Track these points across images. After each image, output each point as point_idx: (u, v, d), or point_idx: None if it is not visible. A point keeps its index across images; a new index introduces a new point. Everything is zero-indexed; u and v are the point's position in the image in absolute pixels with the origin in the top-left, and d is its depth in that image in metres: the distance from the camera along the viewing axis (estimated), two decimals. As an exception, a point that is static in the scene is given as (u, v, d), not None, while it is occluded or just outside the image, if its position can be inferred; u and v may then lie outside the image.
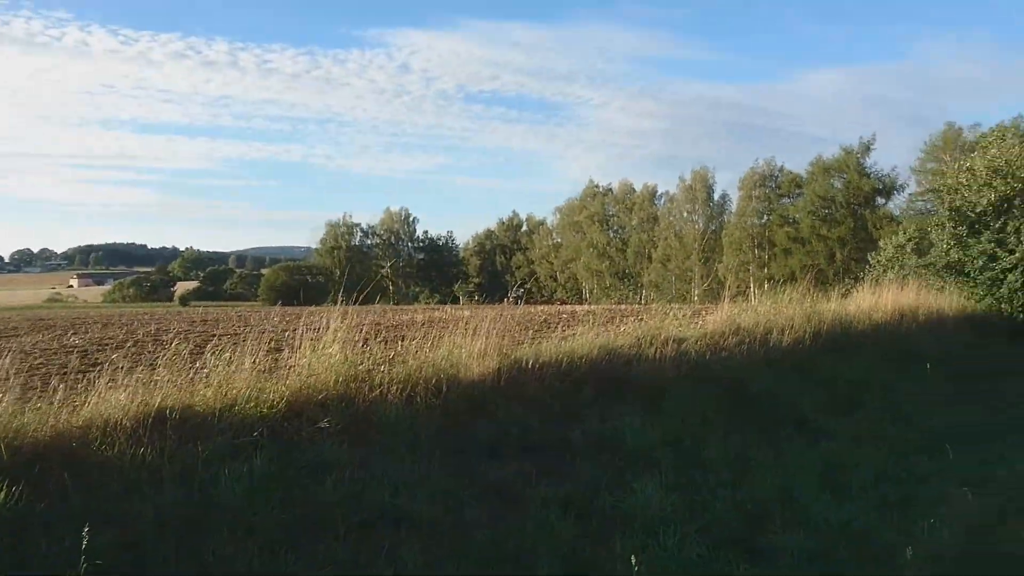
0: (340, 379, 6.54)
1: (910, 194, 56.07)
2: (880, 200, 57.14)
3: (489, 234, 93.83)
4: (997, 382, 13.56)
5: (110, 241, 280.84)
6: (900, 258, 27.63)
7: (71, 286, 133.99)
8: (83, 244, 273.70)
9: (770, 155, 75.95)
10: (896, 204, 56.90)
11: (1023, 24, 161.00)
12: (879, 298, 16.53)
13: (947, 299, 19.65)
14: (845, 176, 57.23)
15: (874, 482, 7.58)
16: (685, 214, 69.02)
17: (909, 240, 28.38)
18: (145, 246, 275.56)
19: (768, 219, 62.25)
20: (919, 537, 6.04)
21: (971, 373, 13.84)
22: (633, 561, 4.85)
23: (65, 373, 6.87)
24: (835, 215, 56.91)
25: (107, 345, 12.07)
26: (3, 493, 4.22)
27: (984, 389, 12.67)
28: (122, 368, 5.98)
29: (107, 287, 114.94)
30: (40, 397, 5.61)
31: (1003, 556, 5.87)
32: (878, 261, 29.56)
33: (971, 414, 10.74)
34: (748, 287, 53.21)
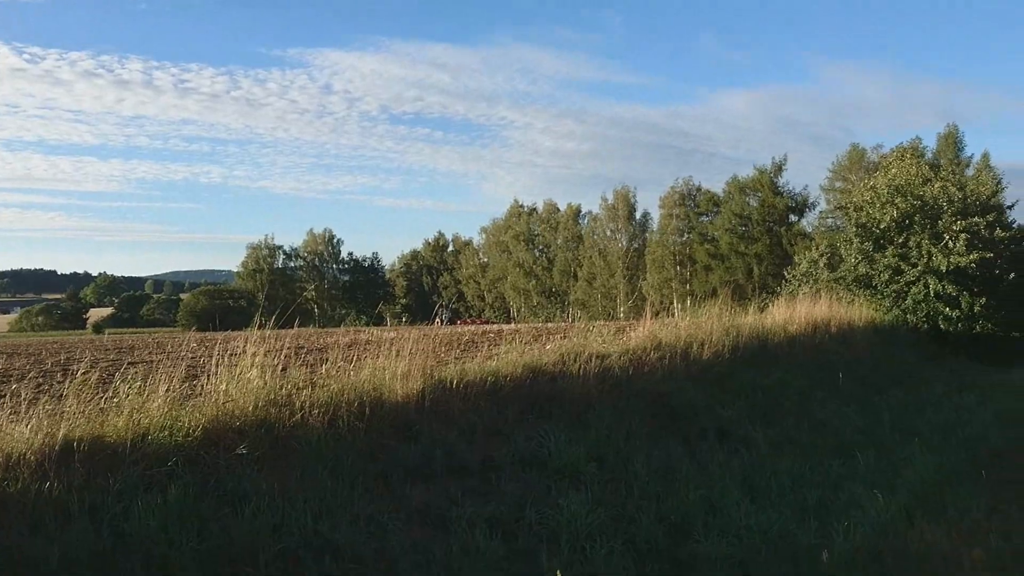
0: (259, 404, 6.37)
1: (821, 211, 58.35)
2: (793, 217, 59.22)
3: (415, 255, 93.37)
4: (903, 389, 14.18)
5: (16, 267, 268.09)
6: (813, 273, 28.64)
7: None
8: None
9: (688, 175, 77.78)
10: (809, 221, 59.10)
11: (918, 52, 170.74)
12: (794, 311, 17.08)
13: (857, 311, 20.47)
14: (760, 195, 59.12)
15: (792, 487, 7.81)
16: (608, 233, 70.11)
17: (821, 256, 29.48)
18: (55, 272, 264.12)
19: (688, 237, 63.76)
20: (835, 539, 6.25)
21: (879, 381, 14.44)
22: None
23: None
24: (752, 232, 58.68)
25: (11, 376, 11.50)
26: None
27: (891, 396, 13.22)
28: (26, 399, 5.72)
29: (14, 315, 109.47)
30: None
31: (913, 555, 6.11)
32: (793, 276, 30.59)
33: (880, 420, 11.18)
34: (671, 303, 54.28)
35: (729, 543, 6.37)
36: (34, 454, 5.00)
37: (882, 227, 23.15)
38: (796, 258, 34.51)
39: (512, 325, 33.69)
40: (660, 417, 9.19)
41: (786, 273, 32.80)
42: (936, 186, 23.31)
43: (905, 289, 22.42)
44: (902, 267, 22.48)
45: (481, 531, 5.91)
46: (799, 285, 27.95)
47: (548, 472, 7.21)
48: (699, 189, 65.09)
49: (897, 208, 22.92)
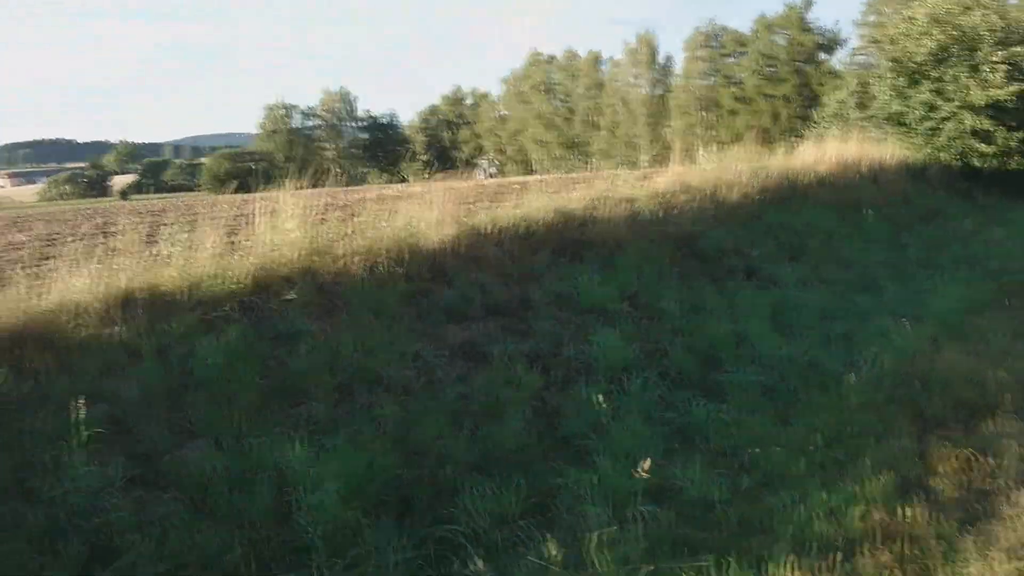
0: (302, 253, 6.60)
1: (852, 48, 55.92)
2: (823, 55, 56.93)
3: (434, 110, 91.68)
4: (932, 226, 14.17)
5: (36, 138, 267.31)
6: (843, 113, 27.91)
7: (1, 186, 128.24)
8: (8, 142, 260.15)
9: (713, 15, 74.58)
10: (839, 59, 56.76)
11: None
12: (823, 152, 16.84)
13: (888, 150, 20.09)
14: (788, 33, 56.65)
15: (819, 320, 8.03)
16: (631, 79, 68.06)
17: (851, 94, 28.58)
18: (74, 141, 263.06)
19: (714, 80, 61.79)
20: (861, 366, 6.50)
21: (908, 219, 14.42)
22: (600, 400, 5.17)
23: (21, 265, 6.81)
24: (779, 73, 56.63)
25: (55, 240, 11.83)
26: (-14, 375, 4.31)
27: (920, 233, 13.24)
28: (78, 258, 5.95)
29: (40, 185, 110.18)
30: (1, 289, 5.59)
31: (937, 377, 6.34)
32: (822, 117, 29.83)
33: (907, 254, 11.28)
34: (696, 149, 53.37)
35: (757, 371, 6.67)
36: (98, 303, 5.28)
37: (917, 60, 22.26)
38: (825, 98, 33.51)
39: (535, 177, 33.53)
40: (689, 258, 9.35)
41: (814, 114, 31.97)
42: (976, 14, 22.19)
43: (939, 126, 21.82)
44: (937, 103, 21.78)
45: (520, 365, 6.23)
46: (827, 126, 27.33)
47: (581, 311, 7.46)
48: (724, 30, 62.41)
49: (934, 39, 21.96)
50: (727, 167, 12.89)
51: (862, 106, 26.64)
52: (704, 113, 61.09)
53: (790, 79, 55.75)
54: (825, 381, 6.46)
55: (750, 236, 10.49)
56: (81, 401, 4.17)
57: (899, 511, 4.26)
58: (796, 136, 28.36)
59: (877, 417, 5.63)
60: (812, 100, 46.61)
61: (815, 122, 30.28)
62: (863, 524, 4.37)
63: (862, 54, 51.48)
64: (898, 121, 22.71)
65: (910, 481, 4.70)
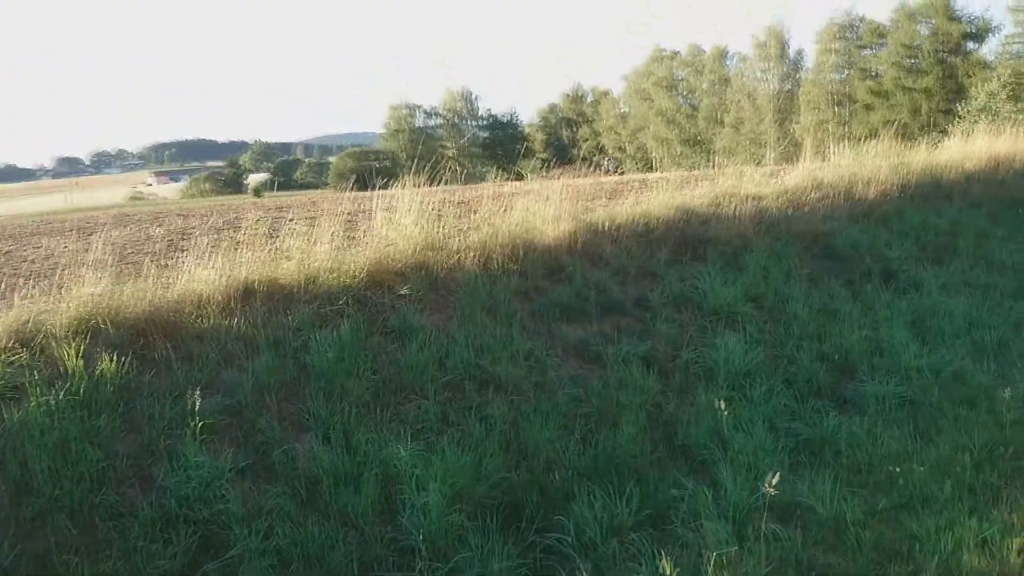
0: (417, 248, 6.57)
1: (1005, 36, 51.94)
2: (971, 45, 53.13)
3: (553, 108, 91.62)
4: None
5: (180, 138, 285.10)
6: (993, 106, 25.91)
7: (149, 184, 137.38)
8: (156, 142, 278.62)
9: (850, 4, 70.78)
10: (990, 49, 52.86)
11: None
12: (970, 147, 15.60)
13: (1046, 144, 18.40)
14: (932, 22, 53.20)
15: (967, 329, 7.36)
16: (758, 73, 65.71)
17: (1004, 86, 26.48)
18: (214, 141, 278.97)
19: (848, 73, 58.81)
20: (1016, 379, 5.88)
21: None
22: (721, 407, 4.85)
23: (154, 256, 7.11)
24: (921, 65, 53.32)
25: (189, 233, 12.41)
26: (113, 363, 4.44)
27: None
28: (205, 251, 6.11)
29: (183, 183, 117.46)
30: (133, 279, 5.81)
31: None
32: (967, 111, 27.80)
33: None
34: (827, 146, 50.83)
35: (897, 383, 6.15)
36: (219, 294, 5.40)
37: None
38: (972, 91, 31.22)
39: (656, 174, 32.86)
40: (820, 258, 8.78)
41: (959, 108, 29.83)
42: None
43: (1105, 118, 19.91)
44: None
45: (637, 367, 5.97)
46: (974, 121, 25.43)
47: (703, 313, 7.10)
48: (862, 20, 59.26)
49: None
50: (862, 163, 12.09)
51: (1015, 98, 24.65)
52: (837, 108, 58.31)
53: (933, 71, 52.35)
54: (973, 395, 5.89)
55: (888, 236, 9.76)
56: (197, 392, 4.24)
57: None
58: (939, 131, 26.59)
59: (1038, 437, 5.06)
60: (957, 93, 43.63)
61: (961, 116, 28.26)
62: (1022, 559, 3.91)
63: (1017, 42, 47.86)
64: (1058, 113, 20.88)
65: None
